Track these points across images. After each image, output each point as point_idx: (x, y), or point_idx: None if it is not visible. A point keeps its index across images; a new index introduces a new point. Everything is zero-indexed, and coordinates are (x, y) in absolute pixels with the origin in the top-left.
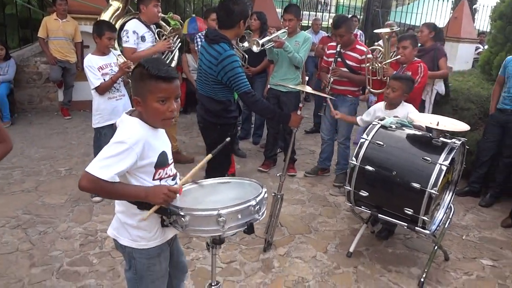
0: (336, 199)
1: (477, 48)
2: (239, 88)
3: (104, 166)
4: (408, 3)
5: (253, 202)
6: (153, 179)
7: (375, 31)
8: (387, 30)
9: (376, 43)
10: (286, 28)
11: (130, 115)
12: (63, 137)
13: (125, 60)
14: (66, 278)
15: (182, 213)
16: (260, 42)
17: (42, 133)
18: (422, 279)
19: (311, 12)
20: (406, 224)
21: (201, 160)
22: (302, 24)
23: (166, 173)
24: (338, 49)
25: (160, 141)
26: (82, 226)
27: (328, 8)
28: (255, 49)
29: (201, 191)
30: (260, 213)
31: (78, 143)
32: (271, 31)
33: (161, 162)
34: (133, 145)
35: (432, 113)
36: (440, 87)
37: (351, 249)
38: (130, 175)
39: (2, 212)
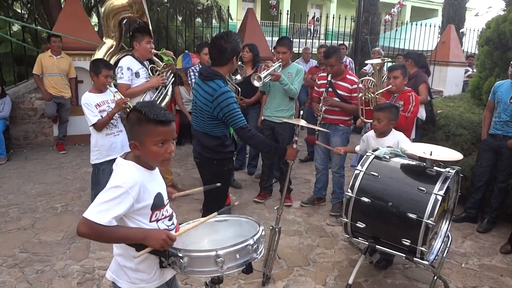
0: (333, 229)
1: (466, 71)
2: (235, 124)
3: (101, 211)
4: (396, 30)
5: (251, 241)
6: (150, 221)
7: (366, 62)
8: (378, 61)
9: (363, 69)
10: (280, 60)
11: (124, 158)
12: (59, 172)
13: (122, 96)
14: None
15: (180, 255)
16: (262, 76)
17: (38, 169)
18: None
19: (301, 40)
20: (404, 255)
21: (196, 192)
22: (294, 51)
23: (163, 214)
24: (329, 79)
25: (155, 183)
26: (79, 264)
27: (318, 35)
28: (256, 84)
29: (199, 230)
30: (258, 252)
31: (73, 178)
32: (268, 65)
33: (157, 204)
34: (129, 189)
35: (422, 139)
36: (420, 113)
37: (350, 281)
38: (127, 218)
39: None
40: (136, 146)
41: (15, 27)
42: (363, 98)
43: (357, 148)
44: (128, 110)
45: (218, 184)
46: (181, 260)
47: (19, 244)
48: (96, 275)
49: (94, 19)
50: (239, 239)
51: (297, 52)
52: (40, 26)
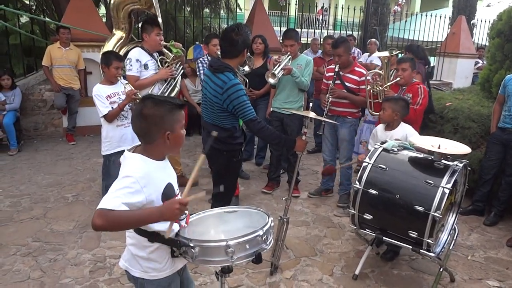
0: (341, 220)
1: (476, 63)
2: (244, 116)
3: (112, 198)
4: (405, 20)
5: (261, 232)
6: None
7: (374, 55)
8: (386, 54)
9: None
10: (288, 53)
11: (132, 152)
12: (69, 163)
13: (132, 88)
14: None
15: (192, 245)
16: (276, 73)
17: (48, 160)
18: None
19: (309, 30)
20: (411, 247)
21: (205, 183)
22: (301, 42)
23: None
24: (336, 70)
25: (165, 173)
26: (91, 253)
27: (326, 26)
28: (272, 81)
29: (209, 221)
30: (268, 242)
31: (83, 169)
32: (279, 60)
33: (168, 194)
34: (139, 178)
35: (429, 132)
36: None
37: (357, 272)
38: None
39: (13, 240)
40: (168, 136)
41: (23, 19)
42: (371, 91)
43: (370, 146)
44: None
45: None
46: (192, 249)
47: (32, 234)
48: (108, 263)
49: (102, 10)
50: (248, 230)
51: (306, 42)
52: (48, 18)
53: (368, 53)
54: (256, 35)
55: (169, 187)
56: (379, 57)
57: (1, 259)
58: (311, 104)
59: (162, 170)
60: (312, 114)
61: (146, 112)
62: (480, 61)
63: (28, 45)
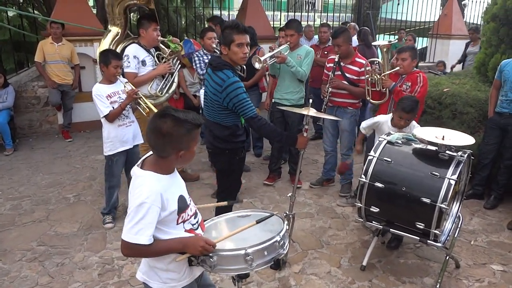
0: (344, 210)
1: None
2: (245, 114)
3: (139, 231)
4: (398, 3)
5: (278, 238)
6: (177, 224)
7: (373, 43)
8: (385, 43)
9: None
10: (288, 43)
11: (141, 167)
12: (67, 161)
13: (133, 87)
14: None
15: (210, 254)
16: (262, 59)
17: (46, 158)
18: None
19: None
20: (418, 238)
21: (206, 177)
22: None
23: (188, 214)
24: (336, 60)
25: (176, 186)
26: (98, 255)
27: (316, 8)
28: (257, 66)
29: (223, 227)
30: (285, 247)
31: (82, 167)
32: (273, 47)
33: (182, 207)
34: (154, 202)
35: (427, 118)
36: None
37: (364, 263)
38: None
39: (17, 245)
40: (180, 154)
41: (11, 12)
42: (369, 79)
43: (361, 128)
44: (140, 100)
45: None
46: (210, 259)
47: (36, 237)
48: (116, 265)
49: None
50: (264, 235)
51: None
52: (36, 11)
53: None
54: None
55: (181, 199)
56: (378, 46)
57: (7, 265)
58: (311, 101)
59: (173, 184)
60: (312, 112)
61: (165, 130)
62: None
63: (18, 40)
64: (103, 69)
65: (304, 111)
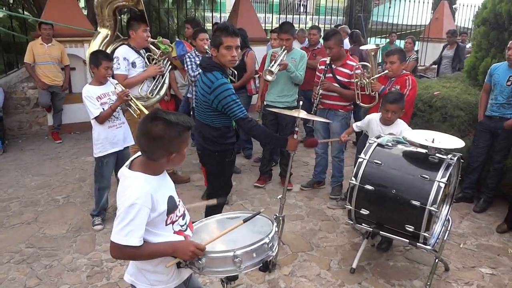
0: (334, 212)
1: None
2: (234, 115)
3: (129, 232)
4: (389, 7)
5: (267, 240)
6: (166, 225)
7: (362, 47)
8: (373, 47)
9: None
10: (284, 47)
11: (130, 168)
12: (56, 162)
13: (123, 89)
14: None
15: (198, 256)
16: (273, 70)
17: (35, 160)
18: None
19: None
20: (407, 241)
21: (197, 179)
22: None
23: (176, 215)
24: (328, 62)
25: (165, 187)
26: (86, 257)
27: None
28: (269, 78)
29: (213, 228)
30: (273, 249)
31: (72, 168)
32: (275, 55)
33: (171, 208)
34: (144, 203)
35: (418, 121)
36: None
37: (354, 265)
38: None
39: (5, 247)
40: (171, 156)
41: (0, 14)
42: (358, 83)
43: (354, 126)
44: (131, 102)
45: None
46: (199, 261)
47: (25, 239)
48: (105, 267)
49: (81, 3)
50: (253, 237)
51: None
52: (26, 12)
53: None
54: None
55: (171, 200)
56: (366, 50)
57: None
58: (301, 103)
59: (163, 184)
60: (303, 114)
61: (157, 134)
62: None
63: (7, 40)
64: (93, 70)
65: (294, 113)
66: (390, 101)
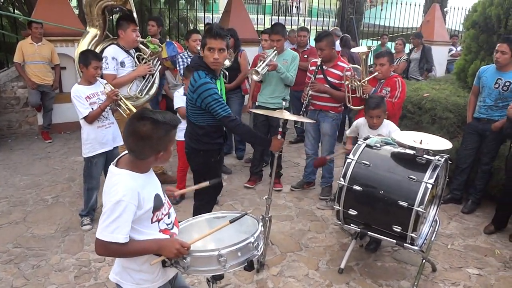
0: (324, 213)
1: (450, 50)
2: (217, 113)
3: (115, 229)
4: (381, 9)
5: (252, 239)
6: (152, 222)
7: (352, 50)
8: (365, 49)
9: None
10: (274, 48)
11: (116, 165)
12: (46, 162)
13: (113, 88)
14: None
15: (184, 254)
16: (260, 70)
17: (25, 160)
18: None
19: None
20: (395, 241)
21: (187, 179)
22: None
23: (162, 213)
24: (319, 64)
25: (152, 185)
26: (74, 257)
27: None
28: (256, 78)
29: (199, 227)
30: (259, 248)
31: (61, 168)
32: (264, 55)
33: (157, 205)
34: (130, 200)
35: (407, 123)
36: None
37: (342, 265)
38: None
39: None
40: (159, 155)
41: None
42: (349, 86)
43: (348, 133)
44: (120, 102)
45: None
46: (184, 260)
47: (12, 239)
48: (92, 267)
49: (73, 3)
50: (239, 236)
51: None
52: (17, 10)
53: None
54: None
55: (157, 197)
56: (358, 53)
57: None
58: (284, 103)
59: (149, 182)
60: (286, 115)
61: (144, 133)
62: (454, 48)
63: None
64: (82, 70)
65: (277, 114)
66: (372, 107)
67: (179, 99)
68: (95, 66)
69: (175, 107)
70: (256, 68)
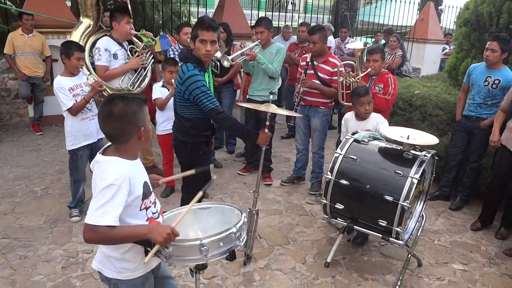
0: (312, 207)
1: (443, 49)
2: (205, 106)
3: (103, 213)
4: (376, 6)
5: (234, 230)
6: (140, 210)
7: (348, 46)
8: (361, 46)
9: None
10: (259, 40)
11: (103, 154)
12: (36, 154)
13: (97, 79)
14: None
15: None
16: (230, 57)
17: (15, 151)
18: (397, 287)
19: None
20: (380, 235)
21: (176, 172)
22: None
23: (150, 201)
24: (308, 60)
25: (141, 172)
26: (62, 248)
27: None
28: (226, 64)
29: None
30: (241, 239)
31: (52, 160)
32: (243, 45)
33: (146, 193)
34: (122, 184)
35: (398, 119)
36: None
37: (329, 259)
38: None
39: None
40: (140, 131)
41: None
42: (344, 82)
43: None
44: (104, 93)
45: (193, 171)
46: (166, 249)
47: (0, 230)
48: (80, 258)
49: None
50: (222, 227)
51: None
52: (9, 1)
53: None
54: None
55: (146, 185)
56: (354, 49)
57: None
58: (271, 96)
59: (138, 169)
60: (273, 108)
61: (119, 112)
62: (448, 47)
63: None
64: (64, 61)
65: (264, 108)
66: (362, 94)
67: (157, 91)
68: (77, 57)
69: (153, 99)
70: (226, 55)
